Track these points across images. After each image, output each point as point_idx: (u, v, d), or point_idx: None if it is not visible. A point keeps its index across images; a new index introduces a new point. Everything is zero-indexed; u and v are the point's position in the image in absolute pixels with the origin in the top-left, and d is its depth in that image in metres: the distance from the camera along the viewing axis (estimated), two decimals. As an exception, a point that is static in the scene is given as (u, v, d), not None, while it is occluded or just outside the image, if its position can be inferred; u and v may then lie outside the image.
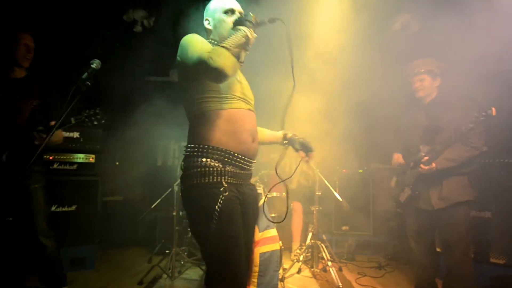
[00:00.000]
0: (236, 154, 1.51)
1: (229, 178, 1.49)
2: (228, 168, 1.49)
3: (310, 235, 3.53)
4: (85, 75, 1.69)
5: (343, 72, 3.49)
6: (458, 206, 2.28)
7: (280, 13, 1.67)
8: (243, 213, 1.54)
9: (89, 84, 1.69)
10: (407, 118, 2.67)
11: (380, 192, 4.21)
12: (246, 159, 1.56)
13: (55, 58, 3.61)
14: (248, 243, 1.61)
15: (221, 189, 1.43)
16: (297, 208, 4.04)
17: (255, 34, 1.52)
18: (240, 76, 1.65)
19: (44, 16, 3.36)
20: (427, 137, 2.44)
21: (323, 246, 3.39)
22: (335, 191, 3.43)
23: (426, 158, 2.34)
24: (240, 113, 1.55)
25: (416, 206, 2.47)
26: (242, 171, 1.55)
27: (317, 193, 3.51)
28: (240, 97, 1.57)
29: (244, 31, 1.47)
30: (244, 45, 1.48)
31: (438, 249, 2.73)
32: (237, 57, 1.44)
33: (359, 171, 4.30)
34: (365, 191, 4.21)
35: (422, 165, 2.34)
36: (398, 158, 2.65)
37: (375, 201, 4.19)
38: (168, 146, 4.93)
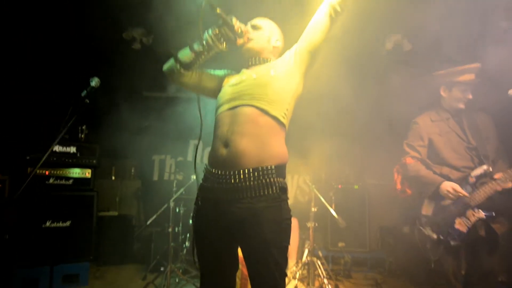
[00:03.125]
0: (208, 167, 1.45)
1: (205, 194, 1.43)
2: (205, 183, 1.45)
3: (306, 251, 3.51)
4: (84, 93, 1.71)
5: (338, 89, 3.55)
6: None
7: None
8: (226, 232, 1.38)
9: (88, 102, 1.72)
10: (438, 130, 2.35)
11: (376, 208, 4.22)
12: (214, 170, 1.39)
13: (55, 75, 3.66)
14: (229, 264, 1.46)
15: (195, 204, 1.47)
16: (293, 224, 4.01)
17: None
18: (241, 76, 1.56)
19: (44, 33, 3.42)
20: (473, 152, 2.22)
21: (319, 263, 3.37)
22: (331, 207, 3.43)
23: (500, 174, 2.07)
24: (219, 118, 1.47)
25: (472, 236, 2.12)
26: (219, 185, 1.37)
27: (313, 209, 3.51)
28: (226, 100, 1.48)
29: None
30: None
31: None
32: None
33: (355, 187, 4.32)
34: (361, 207, 4.22)
35: (502, 184, 2.04)
36: (456, 187, 2.13)
37: (371, 217, 4.19)
38: (164, 160, 4.93)
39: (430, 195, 2.28)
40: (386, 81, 3.60)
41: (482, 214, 2.09)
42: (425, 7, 2.87)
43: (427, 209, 2.30)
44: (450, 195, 2.14)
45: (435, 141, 2.33)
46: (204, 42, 1.49)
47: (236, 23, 1.50)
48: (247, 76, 1.53)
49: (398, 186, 2.92)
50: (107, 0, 3.01)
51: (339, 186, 4.27)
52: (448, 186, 2.15)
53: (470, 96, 2.29)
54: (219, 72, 1.69)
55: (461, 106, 2.30)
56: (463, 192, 2.11)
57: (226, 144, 1.38)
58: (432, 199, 2.29)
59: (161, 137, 4.64)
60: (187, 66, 1.54)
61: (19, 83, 3.38)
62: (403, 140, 2.56)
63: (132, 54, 3.66)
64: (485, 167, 2.13)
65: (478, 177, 2.13)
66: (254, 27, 1.61)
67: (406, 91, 3.45)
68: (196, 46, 1.51)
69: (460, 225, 2.11)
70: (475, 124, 2.28)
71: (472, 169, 2.20)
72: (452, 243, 2.15)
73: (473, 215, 2.10)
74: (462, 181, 2.20)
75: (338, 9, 1.43)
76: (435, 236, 2.22)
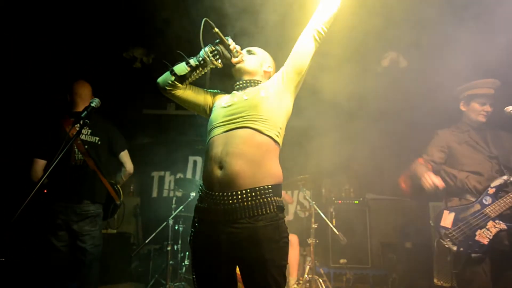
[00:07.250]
0: (203, 189, 1.46)
1: (201, 215, 1.45)
2: (201, 205, 1.47)
3: (307, 269, 3.46)
4: (84, 114, 1.73)
5: (338, 106, 3.59)
6: None
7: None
8: (224, 254, 1.37)
9: (88, 122, 1.74)
10: (457, 139, 2.39)
11: (377, 223, 4.19)
12: (209, 192, 1.41)
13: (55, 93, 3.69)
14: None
15: (192, 227, 1.49)
16: (293, 240, 3.97)
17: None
18: (232, 98, 1.60)
19: (45, 51, 3.47)
20: (494, 160, 2.24)
21: (321, 281, 3.32)
22: (332, 222, 3.41)
23: None
24: (212, 141, 1.49)
25: (494, 247, 2.08)
26: (216, 207, 1.37)
27: (313, 225, 3.48)
28: (220, 123, 1.51)
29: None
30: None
31: None
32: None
33: (355, 202, 4.30)
34: (362, 222, 4.18)
35: None
36: (429, 175, 2.21)
37: (372, 232, 4.15)
38: (163, 177, 4.92)
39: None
40: (388, 97, 3.63)
41: (503, 225, 2.06)
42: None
43: (445, 221, 2.21)
44: (427, 184, 2.19)
45: (454, 148, 2.37)
46: (200, 58, 1.57)
47: (232, 43, 1.60)
48: (238, 98, 1.58)
49: (402, 185, 2.91)
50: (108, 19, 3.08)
51: (339, 202, 4.25)
52: (426, 176, 2.22)
53: (489, 109, 2.34)
54: (211, 91, 1.76)
55: (481, 119, 2.35)
56: (435, 181, 2.16)
57: (221, 166, 1.40)
58: (452, 210, 2.22)
59: (160, 154, 4.65)
60: (181, 78, 1.61)
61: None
62: (403, 154, 2.62)
63: (132, 72, 3.72)
64: (505, 177, 2.11)
65: (498, 188, 2.11)
66: (249, 52, 1.72)
67: (407, 107, 3.49)
68: (193, 61, 1.58)
69: (481, 236, 2.06)
70: (499, 137, 2.32)
71: (491, 176, 2.19)
72: (473, 255, 2.08)
73: (494, 226, 2.06)
74: (482, 192, 2.17)
75: (322, 32, 1.54)
76: (455, 248, 2.14)
